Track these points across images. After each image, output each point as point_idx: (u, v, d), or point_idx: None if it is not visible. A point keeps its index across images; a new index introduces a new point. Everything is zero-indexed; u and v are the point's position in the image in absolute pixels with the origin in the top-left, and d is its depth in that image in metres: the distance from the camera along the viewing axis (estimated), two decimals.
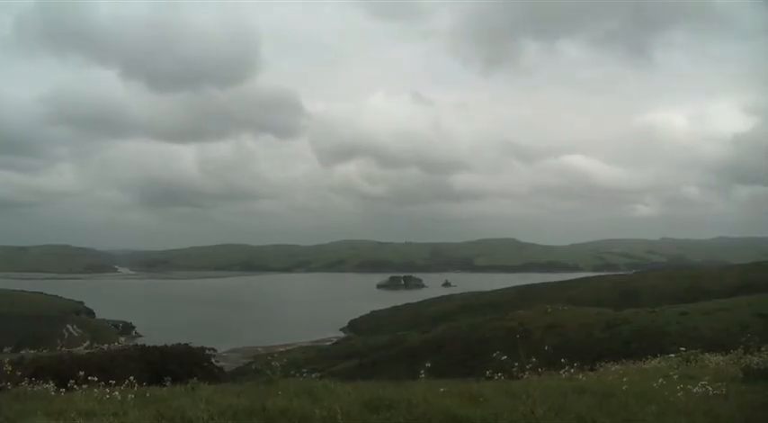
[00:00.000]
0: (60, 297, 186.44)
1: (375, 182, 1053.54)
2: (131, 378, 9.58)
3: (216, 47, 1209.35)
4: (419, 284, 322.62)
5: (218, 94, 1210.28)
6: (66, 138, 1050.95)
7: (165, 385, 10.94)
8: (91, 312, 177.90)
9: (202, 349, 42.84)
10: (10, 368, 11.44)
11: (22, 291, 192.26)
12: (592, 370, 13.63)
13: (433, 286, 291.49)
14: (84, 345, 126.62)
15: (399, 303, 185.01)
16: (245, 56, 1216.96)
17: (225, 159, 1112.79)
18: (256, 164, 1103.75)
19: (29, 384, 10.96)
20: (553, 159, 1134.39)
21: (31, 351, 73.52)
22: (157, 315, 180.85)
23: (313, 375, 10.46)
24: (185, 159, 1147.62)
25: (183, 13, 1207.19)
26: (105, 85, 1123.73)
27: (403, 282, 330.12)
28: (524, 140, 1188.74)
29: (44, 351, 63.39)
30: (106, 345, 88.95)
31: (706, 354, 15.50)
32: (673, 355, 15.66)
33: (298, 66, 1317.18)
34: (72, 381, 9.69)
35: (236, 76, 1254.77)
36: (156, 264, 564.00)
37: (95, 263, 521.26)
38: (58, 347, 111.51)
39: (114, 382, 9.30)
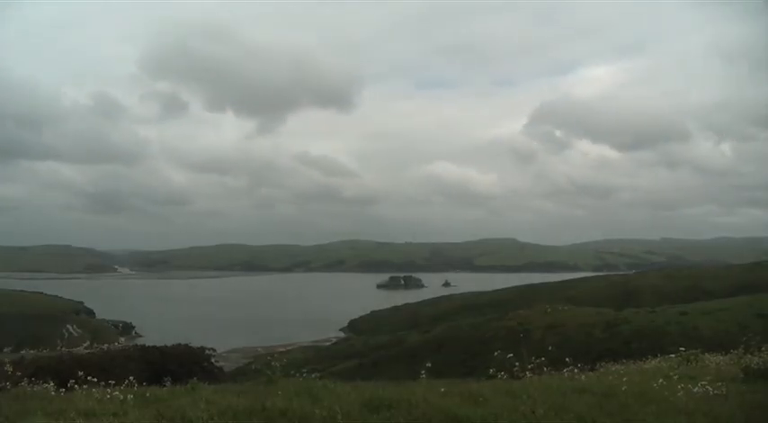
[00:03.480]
0: (60, 297, 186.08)
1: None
2: (131, 378, 9.58)
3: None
4: (419, 284, 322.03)
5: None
6: None
7: (164, 385, 10.94)
8: (91, 312, 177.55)
9: (202, 349, 42.62)
10: (10, 368, 11.44)
11: (22, 291, 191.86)
12: (592, 370, 13.61)
13: (433, 286, 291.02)
14: (84, 345, 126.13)
15: (399, 303, 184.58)
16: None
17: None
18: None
19: (29, 384, 10.98)
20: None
21: (31, 351, 73.07)
22: (157, 315, 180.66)
23: (313, 375, 10.45)
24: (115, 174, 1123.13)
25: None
26: None
27: (403, 282, 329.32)
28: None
29: (44, 351, 63.11)
30: (106, 345, 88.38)
31: (706, 354, 15.52)
32: (673, 355, 15.66)
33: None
34: (72, 381, 9.69)
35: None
36: (155, 264, 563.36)
37: (95, 263, 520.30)
38: (58, 347, 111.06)
39: (114, 382, 9.28)
